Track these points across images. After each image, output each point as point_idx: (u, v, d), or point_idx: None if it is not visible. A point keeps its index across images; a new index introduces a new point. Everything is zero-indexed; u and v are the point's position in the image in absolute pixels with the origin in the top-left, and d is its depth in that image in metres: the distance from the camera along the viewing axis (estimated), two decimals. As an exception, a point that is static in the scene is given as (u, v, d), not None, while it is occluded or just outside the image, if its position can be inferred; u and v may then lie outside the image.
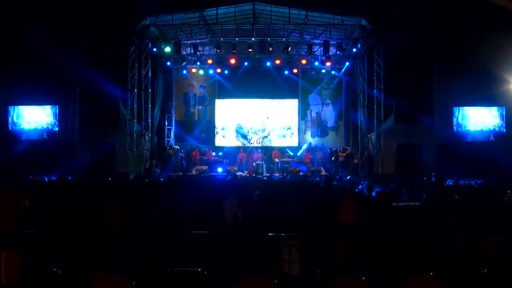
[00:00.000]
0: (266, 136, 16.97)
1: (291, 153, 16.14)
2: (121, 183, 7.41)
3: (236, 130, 16.94)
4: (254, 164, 14.26)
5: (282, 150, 16.40)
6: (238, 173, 13.78)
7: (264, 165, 14.23)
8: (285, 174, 12.90)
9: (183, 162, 15.75)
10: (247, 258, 3.13)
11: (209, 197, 4.92)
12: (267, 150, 15.91)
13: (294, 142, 16.95)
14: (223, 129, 15.78)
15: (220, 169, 14.89)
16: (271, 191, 5.63)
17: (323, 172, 14.19)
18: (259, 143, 16.80)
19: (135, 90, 13.16)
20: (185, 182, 7.81)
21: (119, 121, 13.01)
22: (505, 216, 3.63)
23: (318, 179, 10.24)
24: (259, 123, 17.03)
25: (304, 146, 16.74)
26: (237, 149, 16.40)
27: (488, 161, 10.21)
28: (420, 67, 11.78)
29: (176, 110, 17.23)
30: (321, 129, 17.16)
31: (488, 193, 4.99)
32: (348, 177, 10.30)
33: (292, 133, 16.90)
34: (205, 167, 14.86)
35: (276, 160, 15.21)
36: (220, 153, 16.35)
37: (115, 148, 12.77)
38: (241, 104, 17.16)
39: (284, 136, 17.09)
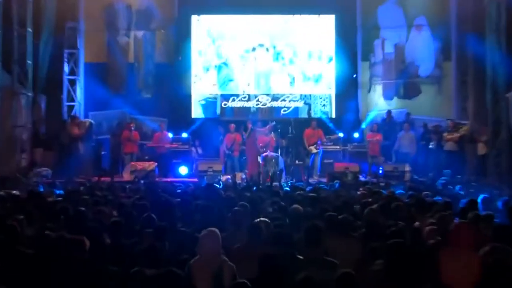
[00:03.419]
0: (280, 98, 17.41)
1: (341, 134, 16.16)
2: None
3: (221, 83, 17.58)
4: (259, 156, 14.46)
5: (323, 126, 16.35)
6: (224, 178, 13.70)
7: (280, 160, 14.38)
8: (328, 181, 12.81)
9: (104, 153, 15.83)
10: None
11: (158, 233, 5.60)
12: (286, 127, 15.80)
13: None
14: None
15: (183, 170, 14.94)
16: (295, 220, 6.19)
17: (408, 174, 14.14)
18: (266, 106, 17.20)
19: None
20: (105, 200, 8.30)
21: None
22: None
23: (403, 191, 10.11)
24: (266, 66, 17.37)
25: (368, 118, 17.14)
26: (222, 124, 16.57)
27: None
28: None
29: (89, 41, 17.40)
30: (405, 82, 17.37)
31: None
32: (457, 188, 10.33)
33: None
34: (152, 165, 14.78)
35: (313, 148, 15.44)
36: (185, 134, 16.37)
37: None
38: (231, 26, 17.80)
39: (325, 100, 17.39)
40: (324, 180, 13.79)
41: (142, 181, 12.65)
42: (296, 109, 17.63)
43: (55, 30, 16.30)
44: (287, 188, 10.84)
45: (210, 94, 17.65)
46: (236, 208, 6.42)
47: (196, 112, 17.63)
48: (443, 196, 9.01)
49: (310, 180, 13.94)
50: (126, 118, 16.65)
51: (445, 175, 13.17)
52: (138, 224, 6.20)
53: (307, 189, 10.50)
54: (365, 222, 6.23)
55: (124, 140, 15.52)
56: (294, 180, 13.58)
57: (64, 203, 7.45)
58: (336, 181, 12.27)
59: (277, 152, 14.61)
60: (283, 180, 12.96)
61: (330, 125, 16.90)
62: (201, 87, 17.67)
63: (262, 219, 5.83)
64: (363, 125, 16.92)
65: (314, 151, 15.34)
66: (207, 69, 17.74)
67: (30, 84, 14.90)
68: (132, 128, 15.64)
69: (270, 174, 13.23)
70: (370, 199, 7.86)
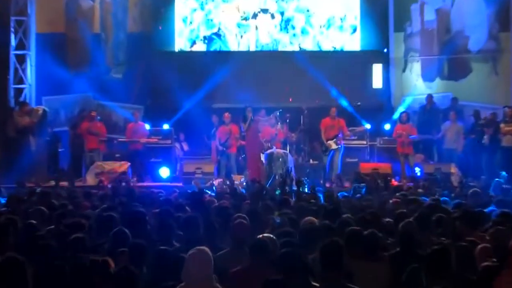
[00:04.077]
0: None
1: (368, 125, 16.25)
2: None
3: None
4: (262, 154, 14.60)
5: (345, 114, 16.44)
6: (217, 182, 13.89)
7: (290, 159, 14.44)
8: (351, 186, 12.86)
9: (61, 150, 15.93)
10: None
11: (133, 254, 5.70)
12: (297, 116, 15.88)
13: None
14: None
15: (164, 172, 15.22)
16: (309, 236, 6.26)
17: (454, 177, 14.23)
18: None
19: None
20: (63, 211, 8.28)
21: None
22: None
23: (448, 199, 10.20)
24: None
25: (404, 105, 17.13)
26: (216, 113, 16.57)
27: None
28: None
29: (42, 5, 17.40)
30: (451, 58, 17.43)
31: None
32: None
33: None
34: (123, 166, 14.97)
35: (332, 144, 15.44)
36: (167, 125, 16.57)
37: None
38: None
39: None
40: (346, 184, 13.80)
41: (110, 186, 12.66)
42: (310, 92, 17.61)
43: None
44: (291, 196, 10.84)
45: (199, 73, 17.66)
46: (238, 220, 6.47)
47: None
48: (499, 206, 9.00)
49: (328, 185, 13.96)
50: (91, 104, 16.64)
51: (501, 178, 13.15)
52: (107, 242, 6.23)
53: (323, 196, 10.53)
54: (399, 239, 6.25)
55: (84, 133, 15.50)
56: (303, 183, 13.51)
57: (11, 214, 7.44)
58: (361, 185, 12.34)
59: (286, 149, 14.62)
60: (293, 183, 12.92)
61: (355, 113, 16.91)
62: (187, 64, 17.66)
63: (266, 235, 5.86)
64: (396, 114, 16.92)
65: (334, 147, 15.35)
66: (194, 42, 17.70)
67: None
68: (97, 118, 15.67)
69: (277, 177, 13.21)
70: (405, 210, 7.88)
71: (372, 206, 8.85)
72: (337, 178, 14.58)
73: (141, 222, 6.86)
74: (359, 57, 18.01)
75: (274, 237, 5.85)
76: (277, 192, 11.68)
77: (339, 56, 18.06)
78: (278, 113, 15.08)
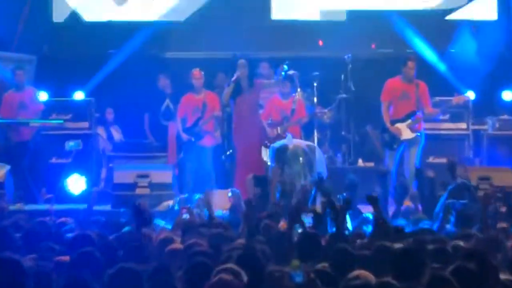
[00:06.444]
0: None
1: (471, 94, 16.64)
2: None
3: None
4: (266, 149, 15.10)
5: (428, 74, 16.74)
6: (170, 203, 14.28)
7: (319, 158, 14.90)
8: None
9: None
10: None
11: None
12: (334, 76, 17.04)
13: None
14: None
15: (76, 183, 15.89)
16: None
17: None
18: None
19: None
20: None
21: None
22: None
23: None
24: None
25: None
26: (165, 71, 17.14)
27: None
28: None
29: None
30: None
31: None
32: None
33: None
34: None
35: (404, 130, 16.01)
36: (81, 93, 17.19)
37: None
38: None
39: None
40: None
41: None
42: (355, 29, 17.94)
43: None
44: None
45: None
46: (219, 277, 6.53)
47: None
48: None
49: (394, 209, 14.06)
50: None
51: None
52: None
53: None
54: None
55: None
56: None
57: None
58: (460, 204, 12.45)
59: (312, 140, 14.76)
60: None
61: (446, 73, 17.19)
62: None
63: None
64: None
65: (407, 135, 15.65)
66: None
67: None
68: None
69: (295, 192, 13.29)
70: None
71: (480, 250, 8.90)
72: (413, 196, 14.60)
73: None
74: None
75: None
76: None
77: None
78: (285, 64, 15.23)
